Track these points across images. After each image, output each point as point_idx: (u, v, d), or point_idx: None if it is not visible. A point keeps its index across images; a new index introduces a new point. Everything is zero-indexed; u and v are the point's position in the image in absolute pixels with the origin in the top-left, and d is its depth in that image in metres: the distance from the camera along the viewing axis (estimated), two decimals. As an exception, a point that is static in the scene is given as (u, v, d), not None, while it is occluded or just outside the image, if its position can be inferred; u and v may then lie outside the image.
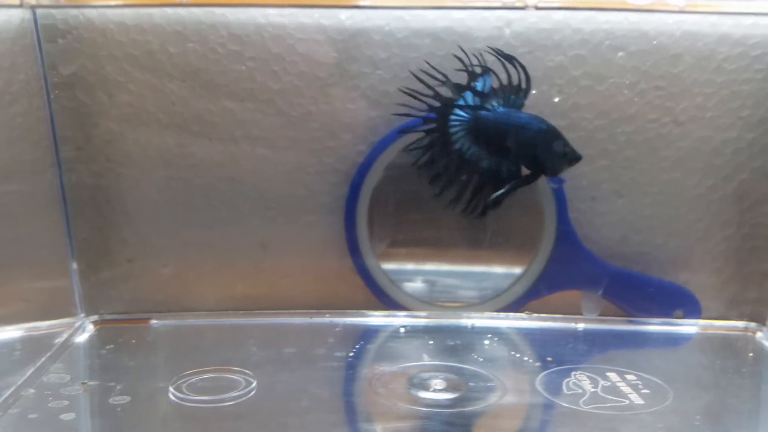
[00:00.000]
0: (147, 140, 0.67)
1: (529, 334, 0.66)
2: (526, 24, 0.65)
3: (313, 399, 0.52)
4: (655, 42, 0.65)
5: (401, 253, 0.71)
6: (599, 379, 0.56)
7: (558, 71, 0.66)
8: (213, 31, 0.65)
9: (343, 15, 0.65)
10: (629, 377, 0.56)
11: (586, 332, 0.67)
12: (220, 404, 0.50)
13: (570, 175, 0.68)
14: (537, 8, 0.62)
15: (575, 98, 0.67)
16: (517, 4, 0.62)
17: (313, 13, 0.65)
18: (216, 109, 0.66)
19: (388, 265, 0.70)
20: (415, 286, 0.71)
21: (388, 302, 0.69)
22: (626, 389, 0.54)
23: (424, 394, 0.53)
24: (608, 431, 0.49)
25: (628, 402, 0.52)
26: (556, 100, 0.66)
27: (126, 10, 0.64)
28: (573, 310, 0.69)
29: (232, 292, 0.71)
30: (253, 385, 0.53)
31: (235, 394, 0.52)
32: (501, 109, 0.62)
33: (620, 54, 0.66)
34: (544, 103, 0.66)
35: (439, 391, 0.54)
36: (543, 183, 0.67)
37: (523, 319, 0.68)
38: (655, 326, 0.68)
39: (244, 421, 0.49)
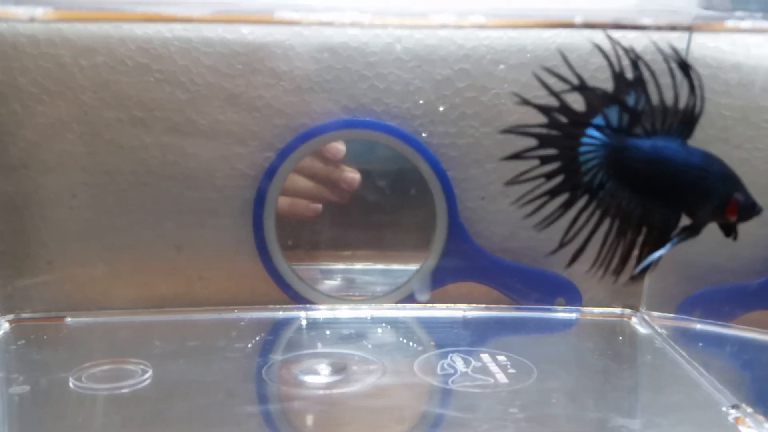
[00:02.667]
0: (62, 149, 0.71)
1: (421, 323, 0.72)
2: (414, 40, 0.71)
3: (203, 386, 0.56)
4: (528, 55, 0.71)
5: (309, 253, 0.76)
6: (472, 360, 0.61)
7: (445, 83, 0.72)
8: (122, 44, 0.69)
9: (245, 30, 0.70)
10: (500, 358, 0.62)
11: (473, 319, 0.73)
12: (116, 392, 0.55)
13: (461, 177, 0.74)
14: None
15: (462, 108, 0.73)
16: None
17: (217, 28, 0.70)
18: (126, 119, 0.71)
19: (297, 265, 0.75)
20: (322, 282, 0.76)
21: (297, 299, 0.74)
22: (495, 369, 0.60)
23: (309, 378, 0.58)
24: (468, 407, 0.54)
25: (493, 381, 0.58)
26: (441, 109, 0.72)
27: (36, 25, 0.68)
28: (467, 300, 0.75)
29: (148, 293, 0.74)
30: (148, 374, 0.57)
31: (131, 382, 0.56)
32: (657, 138, 0.47)
33: (501, 67, 0.72)
34: (433, 112, 0.72)
35: (323, 375, 0.59)
36: (434, 183, 0.73)
37: (419, 309, 0.74)
38: (538, 313, 0.74)
39: (135, 406, 0.53)
